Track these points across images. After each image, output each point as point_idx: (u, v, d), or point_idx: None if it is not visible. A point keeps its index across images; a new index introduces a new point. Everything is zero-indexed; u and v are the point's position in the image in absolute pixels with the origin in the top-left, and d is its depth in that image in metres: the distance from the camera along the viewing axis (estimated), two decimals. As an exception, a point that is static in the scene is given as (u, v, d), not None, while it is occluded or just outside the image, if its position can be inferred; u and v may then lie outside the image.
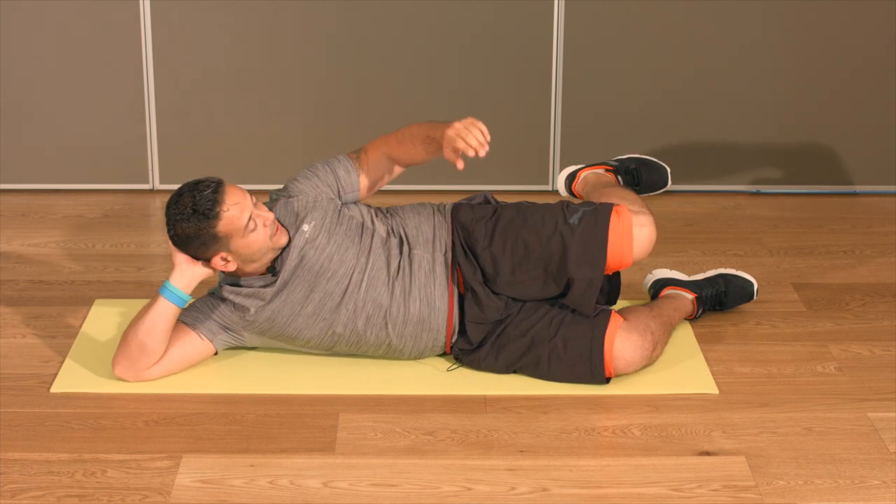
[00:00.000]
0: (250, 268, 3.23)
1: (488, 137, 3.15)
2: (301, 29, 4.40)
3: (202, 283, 3.49)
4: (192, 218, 3.12)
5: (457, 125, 3.18)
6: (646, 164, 3.65)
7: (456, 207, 3.37)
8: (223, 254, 3.17)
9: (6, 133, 4.46)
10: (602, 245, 3.22)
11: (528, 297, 3.29)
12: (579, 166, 3.67)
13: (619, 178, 3.62)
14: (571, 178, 3.66)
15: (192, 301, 3.34)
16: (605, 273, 3.26)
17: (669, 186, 3.67)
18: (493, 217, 3.32)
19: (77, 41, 4.38)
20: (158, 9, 4.35)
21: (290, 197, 3.29)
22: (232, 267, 3.20)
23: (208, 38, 4.40)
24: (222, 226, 3.12)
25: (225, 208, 3.12)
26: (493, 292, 3.28)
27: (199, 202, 3.11)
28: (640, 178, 3.63)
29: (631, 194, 3.43)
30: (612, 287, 3.38)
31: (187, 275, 3.20)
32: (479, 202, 3.41)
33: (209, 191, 3.12)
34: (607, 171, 3.62)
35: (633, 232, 3.24)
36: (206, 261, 3.20)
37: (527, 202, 3.39)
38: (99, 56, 4.40)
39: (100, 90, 4.43)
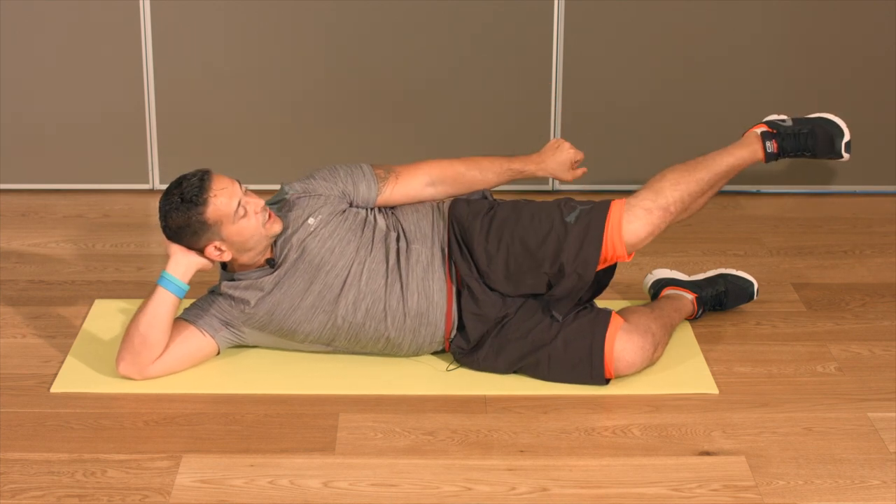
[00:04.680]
0: (245, 258, 3.24)
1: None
2: (301, 28, 4.40)
3: (202, 283, 3.49)
4: (180, 207, 3.15)
5: (569, 151, 3.46)
6: (824, 127, 3.52)
7: (453, 203, 3.38)
8: (216, 243, 3.19)
9: (6, 133, 4.46)
10: (597, 245, 3.23)
11: (521, 293, 3.29)
12: (772, 118, 3.54)
13: (775, 142, 3.47)
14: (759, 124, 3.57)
15: (193, 301, 3.35)
16: (603, 265, 3.26)
17: (844, 160, 3.52)
18: (489, 213, 3.33)
19: (77, 41, 4.38)
20: (158, 8, 4.35)
21: (303, 196, 3.31)
22: (227, 256, 3.21)
23: (208, 37, 4.41)
24: (211, 212, 3.14)
25: (212, 194, 3.14)
26: (490, 288, 3.29)
27: (187, 191, 3.14)
28: (812, 144, 3.49)
29: (666, 183, 3.32)
30: (601, 279, 3.35)
31: (183, 263, 3.21)
32: (478, 197, 3.42)
33: (195, 178, 3.16)
34: (765, 132, 3.48)
35: (623, 227, 3.24)
36: (200, 251, 3.21)
37: (524, 200, 3.39)
38: (99, 56, 4.40)
39: (100, 90, 4.43)
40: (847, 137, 3.51)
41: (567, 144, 3.48)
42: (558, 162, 3.48)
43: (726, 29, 4.42)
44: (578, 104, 4.48)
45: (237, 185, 3.19)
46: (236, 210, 3.16)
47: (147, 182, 4.53)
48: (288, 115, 4.49)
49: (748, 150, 3.47)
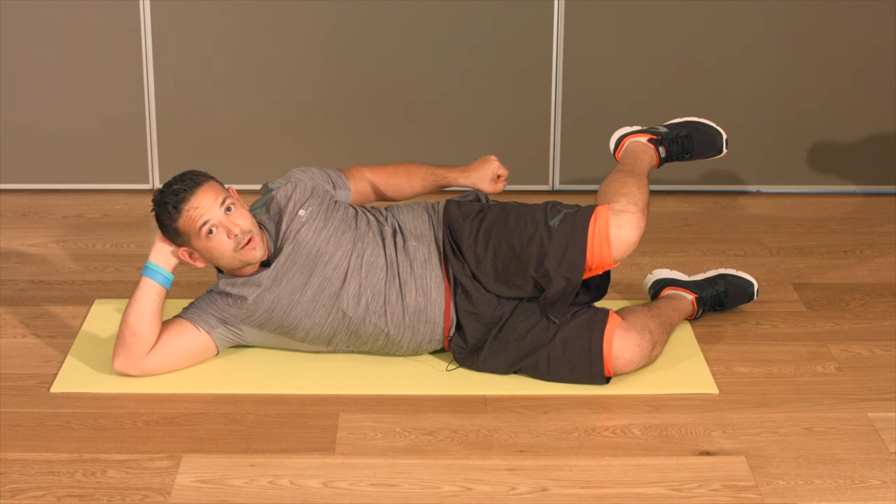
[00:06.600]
0: (226, 267, 3.26)
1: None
2: (301, 29, 4.40)
3: (202, 284, 3.49)
4: (160, 206, 3.20)
5: (493, 164, 3.51)
6: (698, 128, 3.61)
7: (446, 205, 3.40)
8: (188, 248, 3.21)
9: (6, 133, 4.46)
10: (580, 248, 3.23)
11: (511, 296, 3.29)
12: (633, 129, 3.60)
13: (664, 148, 3.54)
14: (620, 141, 3.61)
15: (192, 301, 3.36)
16: (590, 274, 3.26)
17: (723, 155, 3.61)
18: (478, 216, 3.34)
19: (77, 41, 4.38)
20: (158, 9, 4.35)
21: (287, 184, 3.35)
22: (200, 263, 3.25)
23: (208, 38, 4.41)
24: (182, 223, 3.18)
25: (187, 207, 3.17)
26: (484, 288, 3.29)
27: (170, 195, 3.18)
28: (691, 145, 3.59)
29: (632, 188, 3.34)
30: (600, 284, 3.37)
31: (164, 251, 3.25)
32: (470, 199, 3.43)
33: (184, 185, 3.18)
34: (651, 140, 3.55)
35: (610, 233, 3.24)
36: (177, 248, 3.25)
37: (513, 202, 3.40)
38: (99, 56, 4.40)
39: (100, 90, 4.43)
40: (725, 134, 3.60)
41: (493, 158, 3.54)
42: (481, 172, 3.53)
43: (726, 29, 4.42)
44: (578, 104, 4.48)
45: (217, 203, 3.18)
46: (200, 230, 3.17)
47: (147, 182, 4.53)
48: (288, 116, 4.49)
49: (647, 156, 3.52)
